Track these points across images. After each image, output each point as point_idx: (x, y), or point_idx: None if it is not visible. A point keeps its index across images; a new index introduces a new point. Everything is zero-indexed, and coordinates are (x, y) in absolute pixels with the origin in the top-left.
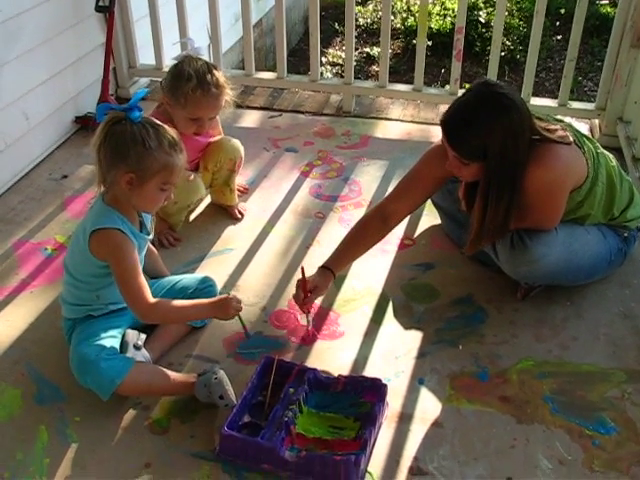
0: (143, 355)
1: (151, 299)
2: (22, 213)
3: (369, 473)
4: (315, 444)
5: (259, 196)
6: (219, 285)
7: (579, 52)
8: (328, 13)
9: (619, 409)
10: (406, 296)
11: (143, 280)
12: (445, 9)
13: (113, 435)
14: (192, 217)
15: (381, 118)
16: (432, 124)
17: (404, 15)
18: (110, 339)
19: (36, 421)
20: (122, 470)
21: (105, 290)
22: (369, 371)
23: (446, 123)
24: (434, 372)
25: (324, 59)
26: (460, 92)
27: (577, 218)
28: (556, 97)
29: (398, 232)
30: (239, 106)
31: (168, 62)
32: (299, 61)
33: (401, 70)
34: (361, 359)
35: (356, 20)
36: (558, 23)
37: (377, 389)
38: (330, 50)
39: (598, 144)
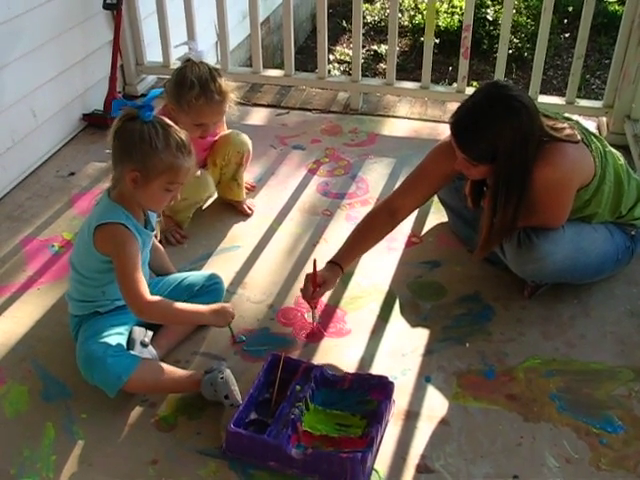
0: (150, 352)
1: (149, 296)
2: (29, 210)
3: (376, 471)
4: (322, 442)
5: (266, 193)
6: (226, 282)
7: (587, 50)
8: (336, 11)
9: (626, 407)
10: (413, 294)
11: (142, 277)
12: (453, 7)
13: (120, 432)
14: (199, 214)
15: (388, 116)
16: (439, 122)
17: (412, 13)
18: (117, 336)
19: (43, 418)
20: (129, 467)
21: (111, 286)
22: (376, 369)
23: (455, 125)
24: (441, 370)
25: (332, 57)
26: (468, 90)
27: (584, 216)
28: (564, 95)
29: (405, 230)
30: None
31: (175, 60)
32: (307, 59)
33: (409, 68)
34: (368, 357)
35: (364, 18)
36: (566, 21)
37: (384, 387)
38: (338, 48)
39: (606, 142)
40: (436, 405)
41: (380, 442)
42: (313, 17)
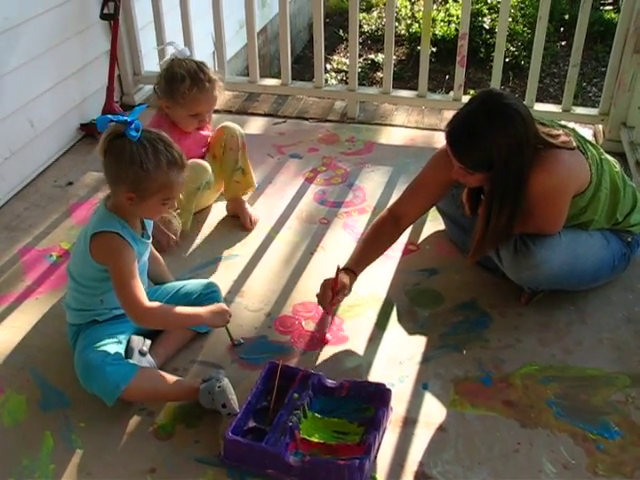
0: (148, 361)
1: (147, 303)
2: (27, 220)
3: (373, 478)
4: (319, 449)
5: (264, 202)
6: (224, 291)
7: (583, 58)
8: (333, 20)
9: (623, 413)
10: (410, 301)
11: (139, 284)
12: (449, 15)
13: (118, 440)
14: (197, 223)
15: (385, 124)
16: (436, 130)
17: (408, 22)
18: (115, 345)
19: (41, 427)
20: (127, 475)
21: (109, 294)
22: (373, 376)
23: (450, 135)
24: (438, 377)
25: (329, 66)
26: (464, 98)
27: (580, 223)
28: (560, 103)
29: (402, 238)
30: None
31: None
32: (304, 68)
33: (406, 76)
34: (365, 364)
35: (360, 27)
36: (562, 29)
37: (381, 394)
38: (335, 57)
39: (602, 150)
40: (433, 412)
41: (378, 449)
42: (310, 26)
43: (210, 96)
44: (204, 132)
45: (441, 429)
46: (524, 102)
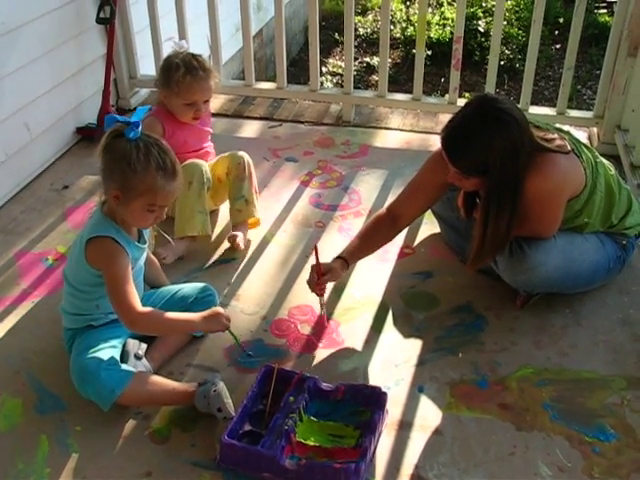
0: (144, 365)
1: (140, 308)
2: (23, 223)
3: None
4: (315, 452)
5: (259, 206)
6: (219, 295)
7: (578, 61)
8: (328, 23)
9: (619, 416)
10: (406, 304)
11: (132, 289)
12: (444, 19)
13: (114, 444)
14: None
15: (380, 127)
16: (431, 133)
17: (403, 25)
18: (111, 349)
19: (37, 431)
20: (123, 479)
21: (104, 299)
22: (369, 379)
23: (446, 140)
24: (434, 380)
25: (324, 69)
26: (459, 101)
27: (576, 226)
28: (555, 105)
29: (397, 241)
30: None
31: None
32: (299, 71)
33: (401, 80)
34: (361, 367)
35: (356, 30)
36: (557, 32)
37: (377, 397)
38: (330, 60)
39: (597, 153)
40: (429, 415)
41: (374, 452)
42: (306, 30)
43: (204, 84)
44: (205, 127)
45: (437, 432)
46: (519, 105)
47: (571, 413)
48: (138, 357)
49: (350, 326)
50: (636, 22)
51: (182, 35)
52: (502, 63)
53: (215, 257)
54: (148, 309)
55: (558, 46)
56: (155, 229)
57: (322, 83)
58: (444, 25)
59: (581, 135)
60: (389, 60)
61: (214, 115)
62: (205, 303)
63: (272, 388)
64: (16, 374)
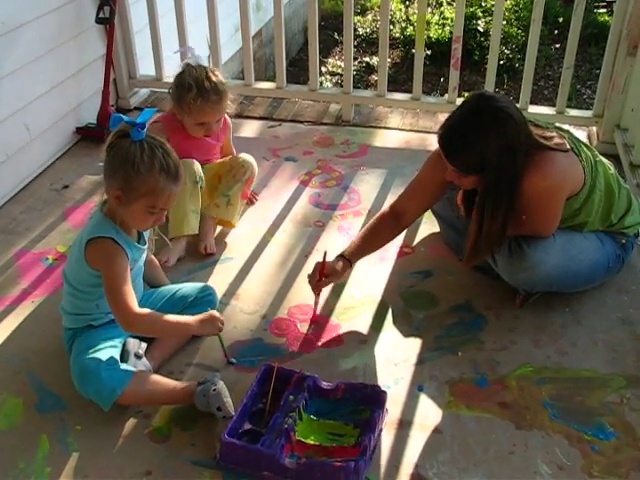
0: (144, 364)
1: (137, 309)
2: (23, 223)
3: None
4: (315, 451)
5: (259, 205)
6: (219, 294)
7: (577, 60)
8: (328, 23)
9: (618, 414)
10: (405, 303)
11: (130, 290)
12: (444, 18)
13: (114, 443)
14: None
15: (380, 127)
16: (431, 132)
17: (403, 24)
18: (111, 349)
19: (37, 430)
20: (123, 478)
21: (104, 299)
22: (369, 378)
23: (443, 138)
24: (433, 379)
25: (324, 69)
26: (458, 101)
27: (575, 225)
28: (554, 105)
29: (397, 240)
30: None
31: (168, 73)
32: (299, 71)
33: (400, 79)
34: (361, 366)
35: (355, 30)
36: (556, 32)
37: (376, 396)
38: (330, 60)
39: (596, 152)
40: (429, 414)
41: (373, 451)
42: (305, 30)
43: (215, 107)
44: (212, 140)
45: (436, 431)
46: (518, 104)
47: (570, 412)
48: (138, 356)
49: (350, 325)
50: (635, 21)
51: (181, 35)
52: (501, 62)
53: (215, 256)
54: (145, 311)
55: (557, 45)
56: (156, 232)
57: (322, 83)
58: (443, 25)
59: (581, 134)
60: (388, 60)
61: None
62: (205, 302)
63: (272, 387)
64: (16, 373)
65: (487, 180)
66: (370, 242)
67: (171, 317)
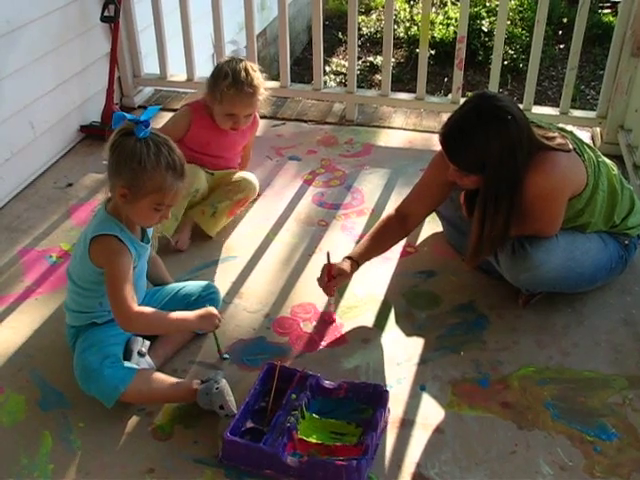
0: (147, 362)
1: (135, 308)
2: (27, 221)
3: (371, 479)
4: (317, 450)
5: (262, 204)
6: (222, 292)
7: (582, 61)
8: (332, 22)
9: (620, 415)
10: (408, 303)
11: (131, 289)
12: (448, 18)
13: (117, 441)
14: (196, 226)
15: (384, 127)
16: (434, 132)
17: (407, 24)
18: (114, 346)
19: (40, 427)
20: (126, 476)
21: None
22: (371, 377)
23: (444, 137)
24: (436, 378)
25: (328, 68)
26: (462, 100)
27: (578, 226)
28: (558, 105)
29: None
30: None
31: (172, 71)
32: (303, 70)
33: (404, 79)
34: (363, 365)
35: (359, 29)
36: (560, 32)
37: (379, 395)
38: (334, 59)
39: (599, 152)
40: (431, 413)
41: (375, 450)
42: (309, 29)
43: (247, 100)
44: (240, 139)
45: (438, 430)
46: (522, 105)
47: (572, 412)
48: (141, 354)
49: (352, 324)
50: None
51: (186, 34)
52: (505, 63)
53: (218, 255)
54: (144, 309)
55: (562, 46)
56: (158, 230)
57: (325, 82)
58: (448, 25)
59: (584, 135)
60: (392, 59)
61: None
62: (208, 301)
63: (274, 385)
64: (20, 371)
65: (488, 180)
66: (377, 244)
67: (170, 314)
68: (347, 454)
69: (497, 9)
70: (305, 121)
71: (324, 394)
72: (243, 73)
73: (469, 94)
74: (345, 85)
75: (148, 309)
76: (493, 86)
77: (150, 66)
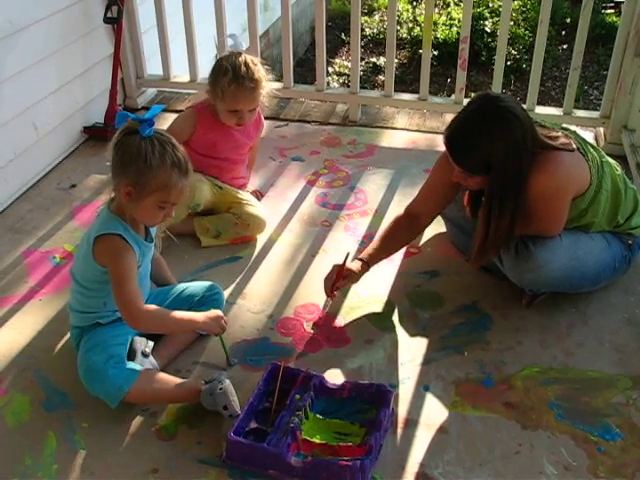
0: (151, 362)
1: (142, 306)
2: (31, 222)
3: (374, 479)
4: (321, 450)
5: (266, 205)
6: (226, 293)
7: (585, 61)
8: (335, 23)
9: (624, 415)
10: (411, 303)
11: (137, 287)
12: (451, 19)
13: (121, 441)
14: None
15: (387, 127)
16: (438, 133)
17: (410, 25)
18: (118, 347)
19: (44, 427)
20: (129, 476)
21: (112, 297)
22: (375, 377)
23: (448, 139)
24: (439, 379)
25: (331, 69)
26: (465, 101)
27: (581, 226)
28: (562, 106)
29: None
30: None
31: (175, 72)
32: (306, 71)
33: (407, 80)
34: (366, 366)
35: (362, 30)
36: (564, 32)
37: (382, 395)
38: (337, 60)
39: (603, 152)
40: (435, 413)
41: (379, 450)
42: (312, 30)
43: (249, 95)
44: (246, 139)
45: (442, 430)
46: (525, 105)
47: (576, 412)
48: (145, 355)
49: (356, 324)
50: None
51: (189, 35)
52: (509, 63)
53: (221, 256)
54: (151, 307)
55: (565, 46)
56: (162, 230)
57: (329, 83)
58: (451, 25)
59: (587, 135)
60: (395, 60)
61: None
62: (212, 302)
63: (278, 386)
64: (24, 371)
65: (493, 180)
66: (388, 245)
67: (177, 313)
68: (351, 454)
69: (500, 10)
70: (308, 122)
71: (328, 394)
72: (243, 68)
73: (472, 95)
74: (348, 86)
75: (155, 307)
76: (496, 87)
77: (153, 67)
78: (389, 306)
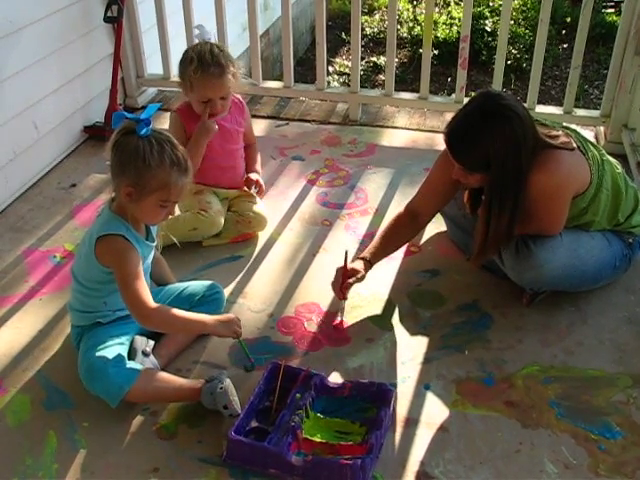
0: (151, 361)
1: (152, 304)
2: (31, 221)
3: (375, 477)
4: (322, 449)
5: (266, 204)
6: (227, 292)
7: (585, 60)
8: (335, 23)
9: (625, 414)
10: (412, 302)
11: (144, 285)
12: (451, 18)
13: (121, 440)
14: None
15: (387, 126)
16: (438, 132)
17: (410, 24)
18: (118, 346)
19: (45, 427)
20: (130, 475)
21: (112, 296)
22: (375, 376)
23: (448, 136)
24: (440, 377)
25: (331, 68)
26: (465, 100)
27: (582, 224)
28: (562, 105)
29: None
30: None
31: (176, 72)
32: (306, 70)
33: (408, 79)
34: (367, 365)
35: (363, 29)
36: (564, 32)
37: (383, 394)
38: (337, 59)
39: (603, 151)
40: (435, 412)
41: (380, 449)
42: (312, 29)
43: (216, 81)
44: (233, 126)
45: (443, 429)
46: (526, 104)
47: (577, 411)
48: (146, 354)
49: (357, 323)
50: None
51: (189, 34)
52: (509, 62)
53: (222, 255)
54: (160, 305)
55: (565, 45)
56: (163, 229)
57: (329, 82)
58: (451, 24)
59: (588, 134)
60: (396, 59)
61: None
62: (212, 301)
63: (279, 385)
64: (24, 371)
65: (493, 178)
66: (389, 243)
67: (187, 314)
68: (351, 453)
69: (500, 9)
70: (309, 121)
71: (328, 393)
72: (208, 55)
73: (472, 94)
74: (348, 85)
75: (166, 306)
76: (496, 85)
77: (153, 66)
78: (390, 305)
